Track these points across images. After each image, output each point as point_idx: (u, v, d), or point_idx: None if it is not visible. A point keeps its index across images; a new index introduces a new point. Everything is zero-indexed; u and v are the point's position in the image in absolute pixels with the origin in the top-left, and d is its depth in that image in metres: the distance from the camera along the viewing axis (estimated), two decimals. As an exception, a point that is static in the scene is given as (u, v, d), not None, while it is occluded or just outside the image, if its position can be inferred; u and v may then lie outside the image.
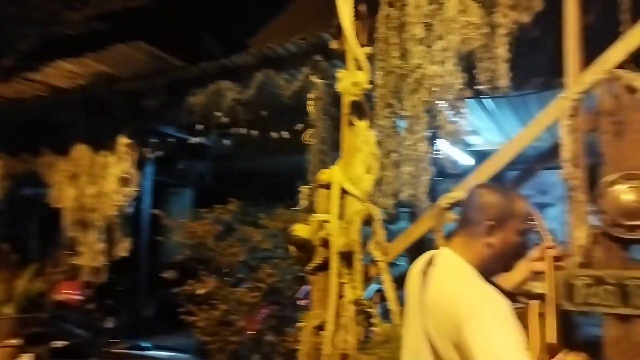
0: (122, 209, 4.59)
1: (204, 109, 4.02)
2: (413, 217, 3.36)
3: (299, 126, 3.40)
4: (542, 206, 6.43)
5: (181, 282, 3.23)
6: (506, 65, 2.68)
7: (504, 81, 2.68)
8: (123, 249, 4.64)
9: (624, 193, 2.24)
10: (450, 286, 1.38)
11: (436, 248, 2.44)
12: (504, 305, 1.30)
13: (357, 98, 2.82)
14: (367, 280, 2.81)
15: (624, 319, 2.18)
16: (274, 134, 3.84)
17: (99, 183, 4.59)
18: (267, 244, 3.23)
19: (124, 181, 4.61)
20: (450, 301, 1.34)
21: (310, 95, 3.15)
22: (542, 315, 1.44)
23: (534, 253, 1.63)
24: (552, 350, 1.39)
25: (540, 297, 1.58)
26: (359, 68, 2.86)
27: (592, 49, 2.53)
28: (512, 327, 1.26)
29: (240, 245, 3.18)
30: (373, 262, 2.79)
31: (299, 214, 3.19)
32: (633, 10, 2.43)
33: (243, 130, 3.80)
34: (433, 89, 2.75)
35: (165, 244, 3.62)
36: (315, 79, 3.13)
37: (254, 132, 3.86)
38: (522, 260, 1.68)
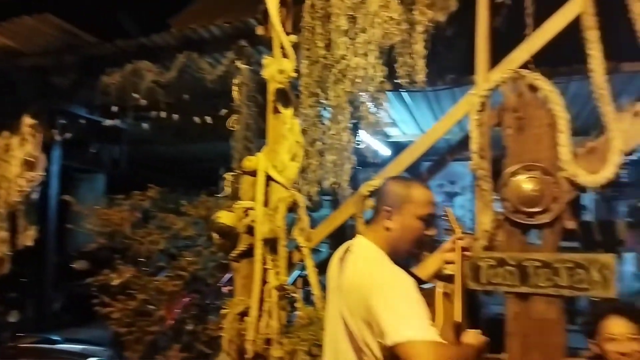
0: (27, 194, 4.25)
1: (119, 89, 3.81)
2: (335, 204, 3.45)
3: (223, 112, 3.35)
4: (451, 195, 6.89)
5: (94, 272, 3.07)
6: (423, 61, 2.83)
7: (420, 76, 2.83)
8: (28, 237, 4.31)
9: (524, 183, 2.47)
10: (361, 269, 1.48)
11: (356, 232, 2.56)
12: (409, 282, 1.42)
13: (282, 86, 2.83)
14: (291, 266, 2.86)
15: (523, 297, 2.42)
16: (196, 119, 3.73)
17: (1, 167, 4.21)
18: (189, 231, 3.16)
19: (29, 165, 4.26)
20: (360, 282, 1.44)
21: (235, 81, 3.10)
22: (446, 295, 1.57)
23: (445, 245, 1.77)
24: (457, 328, 1.52)
25: (450, 278, 1.73)
26: (285, 56, 2.86)
27: (500, 50, 2.75)
28: (416, 300, 1.37)
29: (160, 233, 3.08)
30: (297, 248, 2.84)
31: (222, 201, 3.16)
32: (536, 15, 2.67)
33: (163, 114, 3.65)
34: (356, 80, 2.84)
35: (75, 232, 3.41)
36: (241, 65, 3.08)
37: (175, 117, 3.72)
38: (435, 252, 1.84)
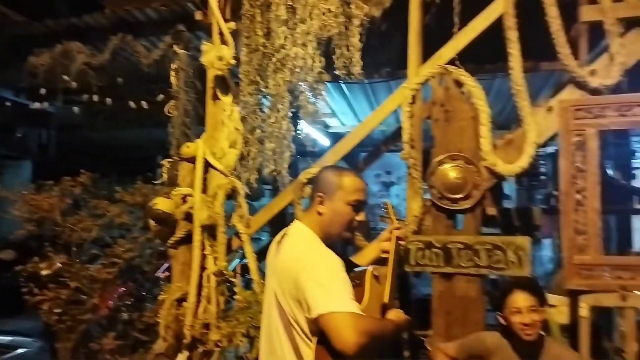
0: (-56, 180, 3.96)
1: (48, 71, 3.62)
2: (275, 192, 3.52)
3: (160, 97, 3.29)
4: (388, 184, 7.15)
5: (22, 261, 2.94)
6: (359, 54, 2.93)
7: (357, 68, 2.94)
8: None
9: (450, 171, 2.66)
10: (294, 250, 1.59)
11: (295, 218, 2.63)
12: (336, 262, 1.52)
13: (221, 73, 2.84)
14: (230, 252, 2.90)
15: (447, 276, 2.61)
16: (131, 104, 3.63)
17: None
18: (124, 218, 3.10)
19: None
20: (292, 262, 1.55)
21: (173, 66, 3.06)
22: (377, 278, 1.69)
23: (383, 234, 1.91)
24: (384, 308, 1.65)
25: (384, 263, 1.86)
26: (224, 43, 2.87)
27: (430, 46, 2.91)
28: (341, 278, 1.49)
29: (93, 220, 2.99)
30: (236, 234, 2.88)
31: (158, 188, 3.12)
32: (463, 15, 2.85)
33: (95, 98, 3.52)
34: (295, 70, 2.90)
35: (1, 219, 3.23)
36: (178, 49, 3.05)
37: (108, 101, 3.60)
38: (374, 241, 1.96)
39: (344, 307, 1.40)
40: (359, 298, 1.54)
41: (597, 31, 2.77)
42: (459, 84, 2.78)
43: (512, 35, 2.74)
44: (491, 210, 2.81)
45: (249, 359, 2.59)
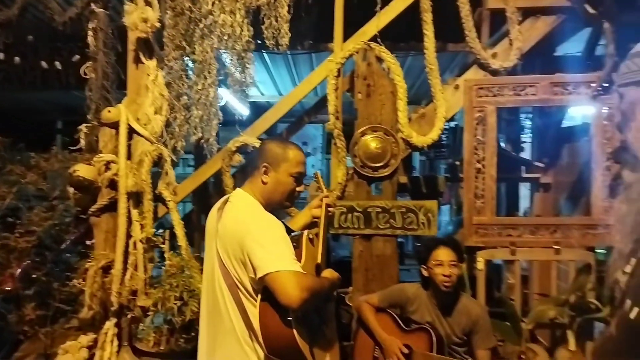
0: None
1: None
2: (198, 160, 3.51)
3: (76, 58, 3.09)
4: (305, 155, 7.33)
5: None
6: (287, 25, 3.00)
7: (285, 40, 3.01)
8: None
9: (371, 142, 2.87)
10: (238, 215, 1.68)
11: (224, 188, 2.70)
12: (278, 226, 1.65)
13: (145, 35, 2.76)
14: (156, 219, 2.88)
15: (366, 237, 2.86)
16: (43, 64, 3.36)
17: None
18: (39, 185, 2.92)
19: None
20: (237, 226, 1.64)
21: (91, 25, 2.90)
22: (311, 241, 1.82)
23: (313, 202, 2.04)
24: (318, 268, 1.79)
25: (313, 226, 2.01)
26: (148, 4, 2.78)
27: (354, 22, 3.06)
28: (284, 241, 1.61)
29: (9, 188, 2.78)
30: (162, 202, 2.87)
31: (77, 154, 2.99)
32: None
33: (0, 56, 3.20)
34: (223, 37, 2.90)
35: None
36: (97, 8, 2.88)
37: (17, 60, 3.30)
38: (305, 208, 2.10)
39: (288, 266, 1.52)
40: (297, 259, 1.65)
41: (497, 17, 3.11)
42: (379, 60, 2.97)
43: (427, 18, 2.98)
44: (403, 179, 3.09)
45: (177, 322, 2.64)
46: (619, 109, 0.93)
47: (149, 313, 2.54)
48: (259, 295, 1.60)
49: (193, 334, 2.61)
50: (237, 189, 1.81)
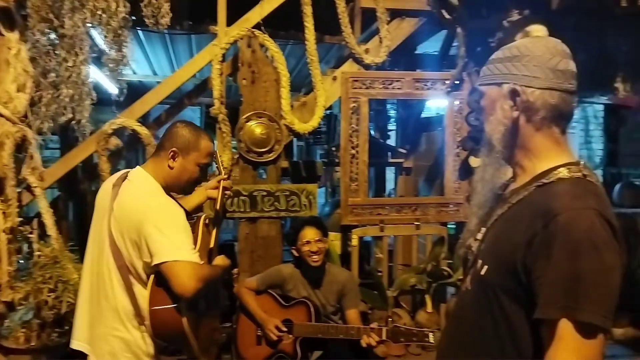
0: None
1: None
2: (65, 143, 3.25)
3: None
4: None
5: None
6: (168, 5, 2.92)
7: (166, 19, 2.92)
8: None
9: (256, 127, 2.96)
10: (138, 196, 1.64)
11: (100, 173, 2.58)
12: (179, 212, 1.66)
13: (5, 4, 2.48)
14: (21, 207, 2.64)
15: (252, 220, 2.96)
16: None
17: None
18: None
19: None
20: (135, 207, 1.61)
21: None
22: (206, 226, 1.85)
23: (210, 182, 2.04)
24: (211, 253, 1.84)
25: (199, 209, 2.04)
26: (6, -32, 2.49)
27: (235, 5, 3.08)
28: (184, 228, 1.62)
29: None
30: (28, 188, 2.64)
31: None
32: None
33: None
34: (97, 12, 2.72)
35: None
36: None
37: None
38: (200, 187, 2.10)
39: (186, 256, 1.53)
40: (193, 242, 1.66)
41: (367, 14, 3.39)
42: (263, 47, 3.06)
43: (308, 10, 3.13)
44: (284, 163, 3.25)
45: (50, 316, 2.48)
46: (478, 103, 1.12)
47: (18, 308, 2.34)
48: (150, 280, 1.60)
49: (67, 327, 2.48)
50: (138, 167, 1.76)
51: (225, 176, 2.04)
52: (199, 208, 2.06)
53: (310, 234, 2.54)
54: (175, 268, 1.51)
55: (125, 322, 1.63)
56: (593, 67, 3.35)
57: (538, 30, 3.01)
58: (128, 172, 1.75)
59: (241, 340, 2.61)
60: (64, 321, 2.44)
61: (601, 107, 7.17)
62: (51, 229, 2.67)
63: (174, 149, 1.70)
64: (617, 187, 5.30)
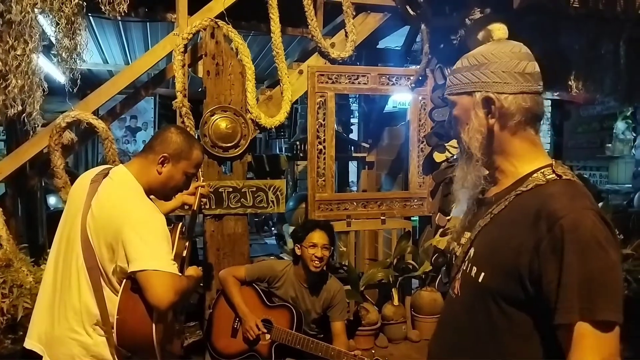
0: None
1: None
2: (16, 135, 3.02)
3: None
4: (134, 130, 6.80)
5: None
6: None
7: (123, 6, 2.77)
8: None
9: (221, 122, 2.87)
10: (118, 197, 1.56)
11: (52, 166, 2.43)
12: (161, 219, 1.58)
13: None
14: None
15: (218, 217, 2.88)
16: None
17: None
18: None
19: None
20: (115, 209, 1.53)
21: None
22: (182, 234, 1.80)
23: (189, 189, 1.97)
24: (183, 262, 1.77)
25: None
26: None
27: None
28: (165, 237, 1.55)
29: None
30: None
31: None
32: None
33: None
34: (47, -3, 2.54)
35: None
36: None
37: None
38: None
39: (164, 266, 1.46)
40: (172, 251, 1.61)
41: (329, 7, 3.36)
42: (227, 39, 2.96)
43: (273, 2, 3.06)
44: (248, 158, 3.18)
45: (2, 322, 2.32)
46: (449, 114, 1.12)
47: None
48: (123, 286, 1.52)
49: (21, 332, 2.33)
50: (120, 165, 1.67)
51: (204, 184, 1.98)
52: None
53: (319, 237, 2.51)
54: (153, 278, 1.44)
55: (87, 325, 1.54)
56: (549, 65, 3.49)
57: (499, 28, 3.10)
58: (109, 168, 1.65)
59: (216, 328, 2.55)
60: (19, 327, 2.29)
61: (548, 102, 7.52)
62: (1, 229, 2.48)
63: (165, 154, 1.63)
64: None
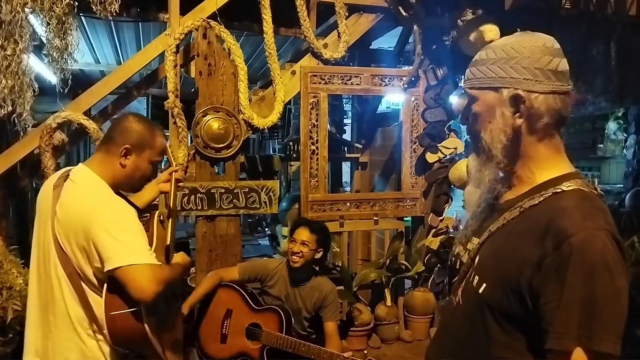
0: None
1: None
2: (6, 136, 3.00)
3: None
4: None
5: None
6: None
7: (114, 6, 2.75)
8: None
9: (213, 122, 2.86)
10: (83, 197, 1.51)
11: (43, 167, 2.41)
12: (130, 212, 1.54)
13: None
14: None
15: (210, 218, 2.87)
16: None
17: None
18: None
19: None
20: (81, 210, 1.48)
21: None
22: (161, 222, 1.74)
23: (162, 176, 1.94)
24: (168, 250, 1.74)
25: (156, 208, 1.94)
26: None
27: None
28: (136, 229, 1.51)
29: None
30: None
31: None
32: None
33: None
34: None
35: None
36: None
37: None
38: (152, 182, 1.99)
39: (141, 259, 1.43)
40: (148, 243, 1.56)
41: (322, 8, 3.36)
42: (220, 39, 2.95)
43: (266, 2, 3.05)
44: (241, 158, 3.17)
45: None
46: (467, 108, 1.03)
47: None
48: (105, 286, 1.49)
49: (11, 335, 2.31)
50: (80, 164, 1.61)
51: (177, 168, 1.94)
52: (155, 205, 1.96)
53: (299, 233, 2.51)
54: (131, 273, 1.40)
55: (80, 331, 1.52)
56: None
57: (490, 29, 3.11)
58: (69, 170, 1.60)
59: (204, 333, 2.54)
60: (9, 329, 2.27)
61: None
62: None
63: (127, 145, 1.57)
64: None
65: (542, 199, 0.92)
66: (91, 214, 1.46)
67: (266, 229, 5.98)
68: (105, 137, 1.66)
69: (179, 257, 1.73)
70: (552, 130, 0.95)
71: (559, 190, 0.91)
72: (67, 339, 1.52)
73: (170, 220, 1.83)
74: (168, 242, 1.77)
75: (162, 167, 2.54)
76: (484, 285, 0.94)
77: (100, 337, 1.53)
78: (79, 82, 3.10)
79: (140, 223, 1.56)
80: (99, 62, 5.14)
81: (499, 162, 0.97)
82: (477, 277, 0.97)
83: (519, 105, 0.93)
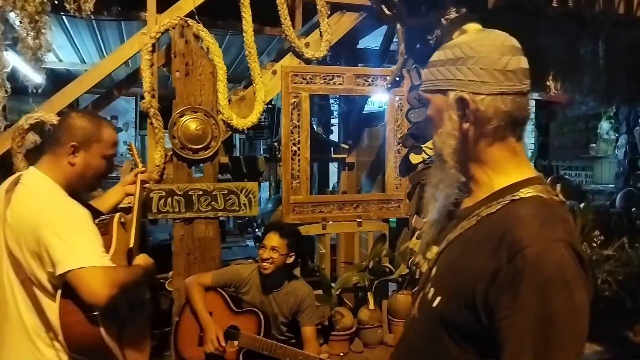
0: None
1: None
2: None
3: None
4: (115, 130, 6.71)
5: None
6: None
7: (89, 5, 2.70)
8: None
9: (191, 123, 2.80)
10: (32, 201, 1.47)
11: (15, 169, 2.36)
12: (82, 214, 1.50)
13: None
14: None
15: (188, 221, 2.81)
16: None
17: None
18: None
19: None
20: (30, 214, 1.44)
21: None
22: (122, 224, 1.70)
23: (127, 177, 1.89)
24: (130, 253, 1.69)
25: (125, 210, 1.89)
26: None
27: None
28: (89, 231, 1.47)
29: None
30: None
31: None
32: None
33: None
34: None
35: None
36: None
37: None
38: (117, 185, 1.94)
39: (93, 261, 1.39)
40: (106, 246, 1.53)
41: (308, 7, 3.30)
42: (197, 38, 2.90)
43: (245, 1, 2.99)
44: (223, 159, 3.12)
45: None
46: (424, 106, 1.00)
47: None
48: (59, 292, 1.45)
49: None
50: (30, 167, 1.57)
51: (143, 169, 1.89)
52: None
53: (269, 239, 2.46)
54: (82, 276, 1.36)
55: (36, 341, 1.47)
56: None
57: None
58: (21, 174, 1.56)
59: (182, 337, 2.50)
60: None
61: (532, 102, 7.52)
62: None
63: (73, 143, 1.53)
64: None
65: (499, 206, 0.87)
66: (41, 217, 1.42)
67: (256, 230, 5.93)
68: (51, 137, 1.63)
69: (141, 259, 1.68)
70: (505, 133, 0.90)
71: (517, 197, 0.86)
72: (24, 349, 1.48)
73: (134, 222, 1.78)
74: (131, 245, 1.72)
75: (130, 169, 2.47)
76: (439, 298, 0.90)
77: (58, 345, 1.49)
78: (64, 83, 3.04)
79: (95, 225, 1.51)
80: (84, 62, 5.09)
81: (450, 167, 0.94)
82: (432, 290, 0.93)
83: (464, 108, 0.90)
